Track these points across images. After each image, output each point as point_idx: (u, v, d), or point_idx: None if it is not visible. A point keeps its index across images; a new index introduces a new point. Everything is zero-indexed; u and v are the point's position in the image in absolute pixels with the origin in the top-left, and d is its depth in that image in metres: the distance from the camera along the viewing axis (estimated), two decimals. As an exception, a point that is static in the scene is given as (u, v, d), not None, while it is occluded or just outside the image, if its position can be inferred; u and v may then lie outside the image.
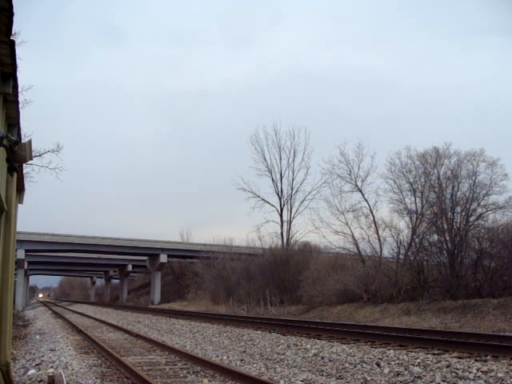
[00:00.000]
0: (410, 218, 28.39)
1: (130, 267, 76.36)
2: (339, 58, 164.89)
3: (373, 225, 30.38)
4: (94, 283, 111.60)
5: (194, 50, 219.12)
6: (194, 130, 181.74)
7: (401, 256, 27.77)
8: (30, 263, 66.46)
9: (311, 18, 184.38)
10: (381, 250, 29.88)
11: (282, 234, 44.70)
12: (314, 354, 11.27)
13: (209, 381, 8.71)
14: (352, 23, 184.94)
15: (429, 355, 10.26)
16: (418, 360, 9.73)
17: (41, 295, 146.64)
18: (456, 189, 25.95)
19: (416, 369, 8.93)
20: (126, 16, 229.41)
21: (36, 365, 10.98)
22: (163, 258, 58.53)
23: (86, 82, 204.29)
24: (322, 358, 10.82)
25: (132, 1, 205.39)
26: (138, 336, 17.24)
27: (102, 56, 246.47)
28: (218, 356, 11.86)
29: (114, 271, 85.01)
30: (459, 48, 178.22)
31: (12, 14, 3.89)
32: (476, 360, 9.60)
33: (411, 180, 28.75)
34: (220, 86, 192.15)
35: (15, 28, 15.90)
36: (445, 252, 24.85)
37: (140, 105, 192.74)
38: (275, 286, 34.59)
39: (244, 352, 12.49)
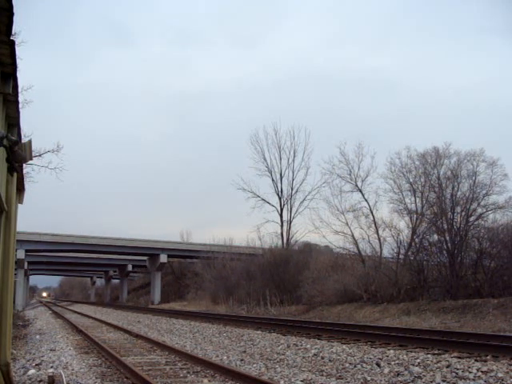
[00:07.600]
0: (410, 218, 28.41)
1: (130, 267, 76.41)
2: (340, 59, 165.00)
3: (373, 225, 30.40)
4: (94, 283, 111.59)
5: (198, 50, 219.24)
6: (196, 131, 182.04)
7: (401, 256, 27.77)
8: (30, 263, 66.48)
9: (313, 19, 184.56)
10: (381, 250, 29.90)
11: (282, 234, 44.74)
12: (314, 354, 11.27)
13: (209, 381, 8.70)
14: (353, 24, 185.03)
15: (429, 355, 10.25)
16: (418, 360, 9.72)
17: (44, 294, 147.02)
18: (456, 189, 25.96)
19: (416, 369, 8.93)
20: (131, 16, 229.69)
21: (36, 365, 10.97)
22: (163, 258, 58.56)
23: (88, 81, 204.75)
24: (322, 358, 10.82)
25: (138, 1, 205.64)
26: (138, 336, 17.23)
27: (106, 56, 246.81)
28: (218, 356, 11.85)
29: (114, 271, 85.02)
30: (459, 48, 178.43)
31: (12, 14, 3.90)
32: (476, 360, 9.59)
33: (411, 180, 28.79)
34: (224, 87, 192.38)
35: (15, 28, 15.90)
36: (445, 252, 24.84)
37: (142, 105, 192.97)
38: (275, 286, 34.59)
39: (244, 352, 12.49)
